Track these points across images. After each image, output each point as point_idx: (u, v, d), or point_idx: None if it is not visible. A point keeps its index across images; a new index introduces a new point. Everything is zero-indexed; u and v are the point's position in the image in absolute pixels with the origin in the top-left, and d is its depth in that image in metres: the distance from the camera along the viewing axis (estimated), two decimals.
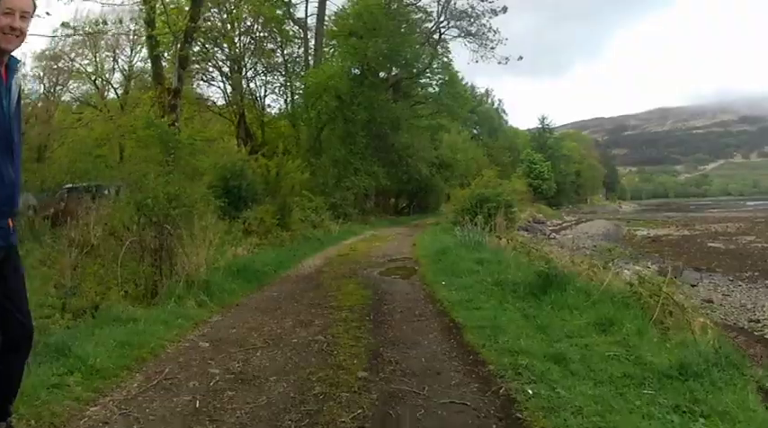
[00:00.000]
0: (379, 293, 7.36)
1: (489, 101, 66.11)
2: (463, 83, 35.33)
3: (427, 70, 31.74)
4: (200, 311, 5.94)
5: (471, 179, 53.47)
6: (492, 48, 31.02)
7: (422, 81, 32.12)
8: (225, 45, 29.35)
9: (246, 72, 29.40)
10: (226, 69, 30.52)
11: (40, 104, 28.80)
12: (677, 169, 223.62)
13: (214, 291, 6.61)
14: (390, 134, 26.15)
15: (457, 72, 34.00)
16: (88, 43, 33.12)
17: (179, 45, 16.63)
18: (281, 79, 30.83)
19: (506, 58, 31.48)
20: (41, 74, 35.92)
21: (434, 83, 32.55)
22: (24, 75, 36.10)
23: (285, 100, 31.30)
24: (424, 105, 33.92)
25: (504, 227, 20.48)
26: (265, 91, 31.72)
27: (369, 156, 25.30)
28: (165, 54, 19.29)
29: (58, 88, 34.29)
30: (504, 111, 69.44)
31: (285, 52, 30.34)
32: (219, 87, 30.75)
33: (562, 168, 66.69)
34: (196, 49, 31.65)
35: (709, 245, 23.05)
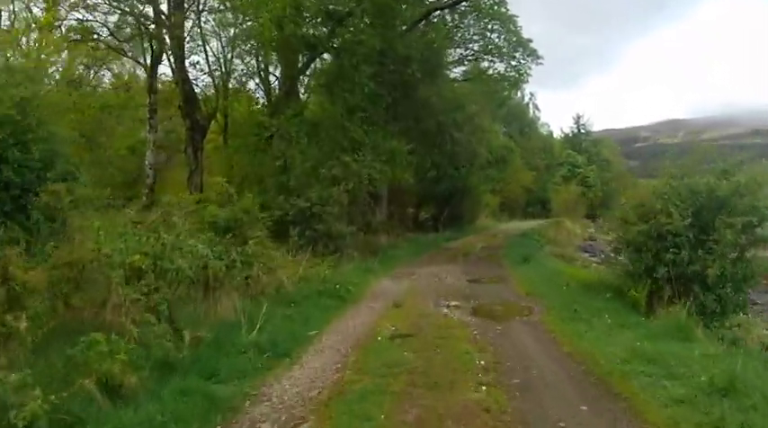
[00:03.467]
0: None
1: (519, 94, 53.56)
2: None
3: None
4: None
5: (504, 184, 38.99)
6: None
7: (464, 5, 19.18)
8: None
9: None
10: None
11: None
12: None
13: None
14: (422, 82, 13.56)
15: (515, 17, 20.99)
16: None
17: None
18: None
19: None
20: None
21: (484, 21, 19.89)
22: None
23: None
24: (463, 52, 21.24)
25: None
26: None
27: (381, 119, 12.89)
28: None
29: None
30: (537, 107, 55.84)
31: None
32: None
33: (604, 175, 54.80)
34: None
35: None
